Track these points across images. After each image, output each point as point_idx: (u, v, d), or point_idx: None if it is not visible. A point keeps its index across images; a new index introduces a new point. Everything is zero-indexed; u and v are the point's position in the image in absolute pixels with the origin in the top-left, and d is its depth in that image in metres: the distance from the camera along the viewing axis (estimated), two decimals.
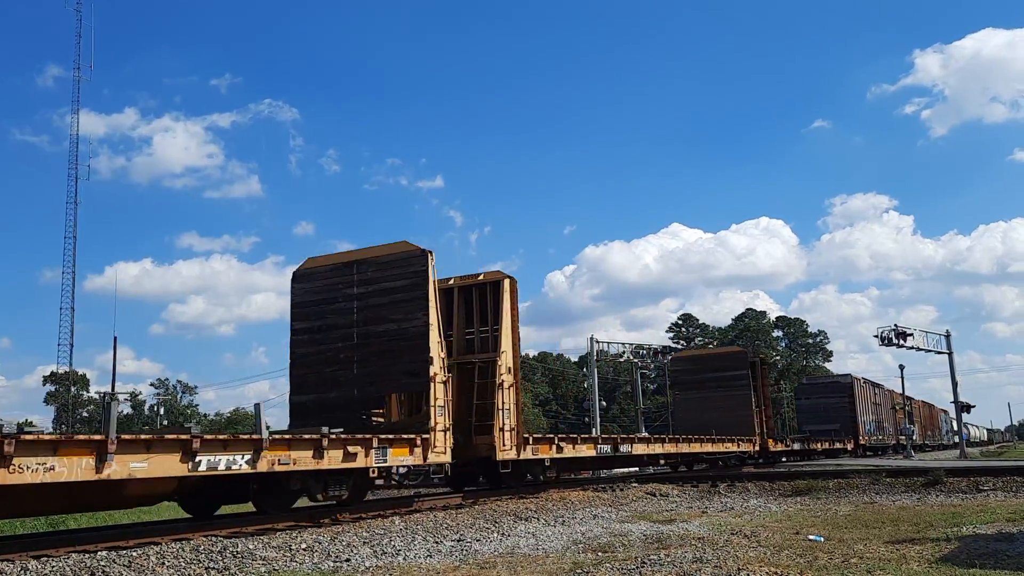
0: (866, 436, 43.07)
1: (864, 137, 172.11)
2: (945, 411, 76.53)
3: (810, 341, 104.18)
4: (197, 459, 9.44)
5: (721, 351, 33.51)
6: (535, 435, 17.08)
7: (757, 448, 28.89)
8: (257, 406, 10.84)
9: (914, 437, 55.21)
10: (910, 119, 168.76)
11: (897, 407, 52.98)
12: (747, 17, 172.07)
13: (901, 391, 51.60)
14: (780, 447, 31.46)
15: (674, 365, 35.39)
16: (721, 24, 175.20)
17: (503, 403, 15.66)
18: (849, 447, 40.13)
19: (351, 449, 11.81)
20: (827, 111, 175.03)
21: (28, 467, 7.82)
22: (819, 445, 36.82)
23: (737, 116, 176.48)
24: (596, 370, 45.14)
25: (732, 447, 27.00)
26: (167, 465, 9.16)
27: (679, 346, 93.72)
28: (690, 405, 31.45)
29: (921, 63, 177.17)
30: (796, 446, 34.34)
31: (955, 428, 72.07)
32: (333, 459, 11.52)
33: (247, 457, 10.13)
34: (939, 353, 39.42)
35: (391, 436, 12.83)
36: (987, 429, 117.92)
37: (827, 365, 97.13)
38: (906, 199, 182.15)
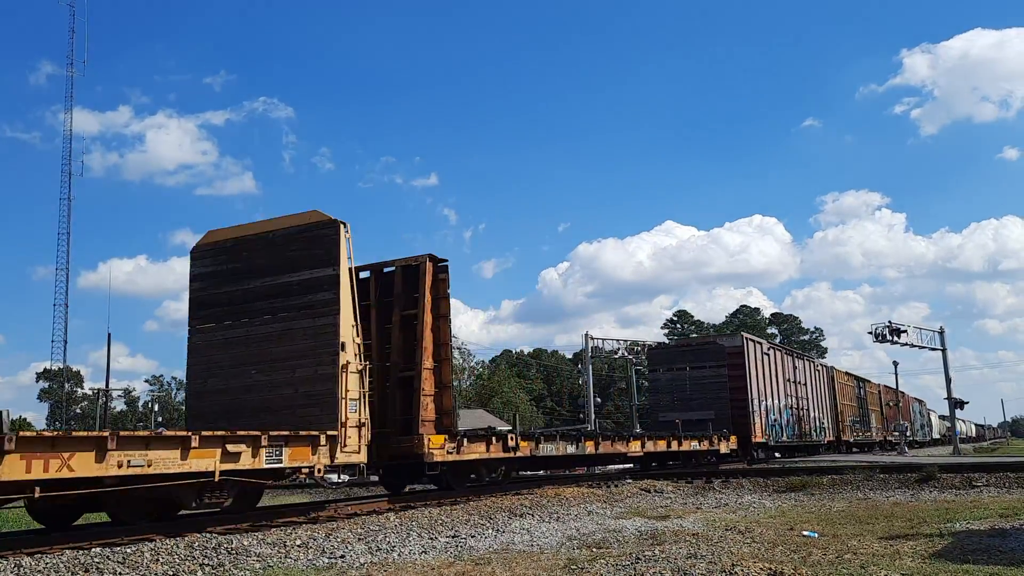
0: (765, 431, 27.95)
1: (855, 136, 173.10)
2: (920, 401, 67.40)
3: (805, 338, 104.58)
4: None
5: (280, 222, 13.57)
6: None
7: (353, 457, 12.45)
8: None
9: (879, 432, 47.09)
10: (900, 118, 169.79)
11: (842, 390, 40.63)
12: (737, 17, 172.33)
13: (895, 385, 51.40)
14: (476, 452, 15.15)
15: (198, 263, 14.16)
16: (712, 24, 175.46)
17: None
18: (725, 448, 25.39)
19: None
20: (817, 110, 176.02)
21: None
22: (634, 446, 21.01)
23: (729, 115, 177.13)
24: (591, 367, 45.18)
25: (234, 462, 10.58)
26: None
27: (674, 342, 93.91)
28: (219, 357, 13.50)
29: (909, 63, 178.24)
30: (550, 448, 17.45)
31: (931, 421, 70.76)
32: None
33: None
34: (933, 349, 39.59)
35: None
36: (976, 425, 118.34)
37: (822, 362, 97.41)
38: (898, 197, 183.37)
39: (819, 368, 37.61)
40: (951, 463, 20.76)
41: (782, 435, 30.07)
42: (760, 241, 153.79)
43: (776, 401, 29.99)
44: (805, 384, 33.99)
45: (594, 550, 9.16)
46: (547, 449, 17.50)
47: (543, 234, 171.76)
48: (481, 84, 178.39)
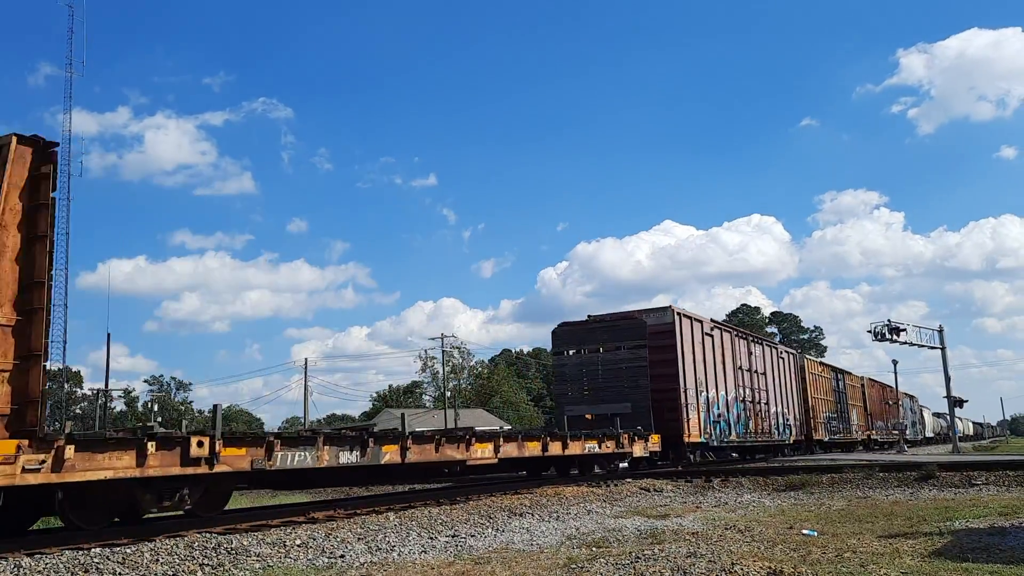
0: (705, 428, 23.17)
1: (852, 135, 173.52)
2: (912, 397, 62.30)
3: (804, 337, 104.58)
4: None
5: None
6: None
7: None
8: None
9: (862, 430, 44.08)
10: (897, 118, 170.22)
11: (815, 382, 35.94)
12: (734, 18, 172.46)
13: (895, 384, 51.27)
14: (109, 469, 9.02)
15: None
16: (710, 25, 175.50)
17: None
18: (640, 450, 20.32)
19: None
20: (814, 110, 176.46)
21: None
22: (481, 449, 15.07)
23: (726, 114, 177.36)
24: None
25: None
26: None
27: None
28: None
29: (906, 63, 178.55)
30: (300, 458, 11.39)
31: (924, 419, 70.13)
32: None
33: None
34: (932, 348, 39.55)
35: None
36: (973, 423, 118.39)
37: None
38: (896, 195, 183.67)
39: (784, 356, 32.53)
40: (950, 461, 20.76)
41: (729, 433, 24.91)
42: (759, 240, 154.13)
43: (722, 392, 24.80)
44: (765, 374, 28.84)
45: (594, 549, 9.16)
46: (293, 459, 11.31)
47: (542, 234, 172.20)
48: (480, 85, 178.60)
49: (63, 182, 61.50)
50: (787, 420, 31.11)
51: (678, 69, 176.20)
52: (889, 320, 37.33)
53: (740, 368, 26.64)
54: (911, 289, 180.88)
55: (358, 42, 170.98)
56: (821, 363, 40.03)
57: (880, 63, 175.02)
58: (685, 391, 22.32)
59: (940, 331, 39.64)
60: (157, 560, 8.25)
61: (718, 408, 24.40)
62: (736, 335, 27.34)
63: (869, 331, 37.24)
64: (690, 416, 22.35)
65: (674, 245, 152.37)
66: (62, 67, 65.69)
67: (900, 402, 54.10)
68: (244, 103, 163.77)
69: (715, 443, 24.18)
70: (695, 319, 23.98)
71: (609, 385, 22.27)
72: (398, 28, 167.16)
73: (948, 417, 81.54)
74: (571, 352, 23.66)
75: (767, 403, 28.76)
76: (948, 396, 40.91)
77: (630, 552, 8.52)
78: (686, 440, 22.08)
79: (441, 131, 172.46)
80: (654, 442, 21.04)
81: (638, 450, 20.34)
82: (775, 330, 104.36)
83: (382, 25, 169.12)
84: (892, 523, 11.12)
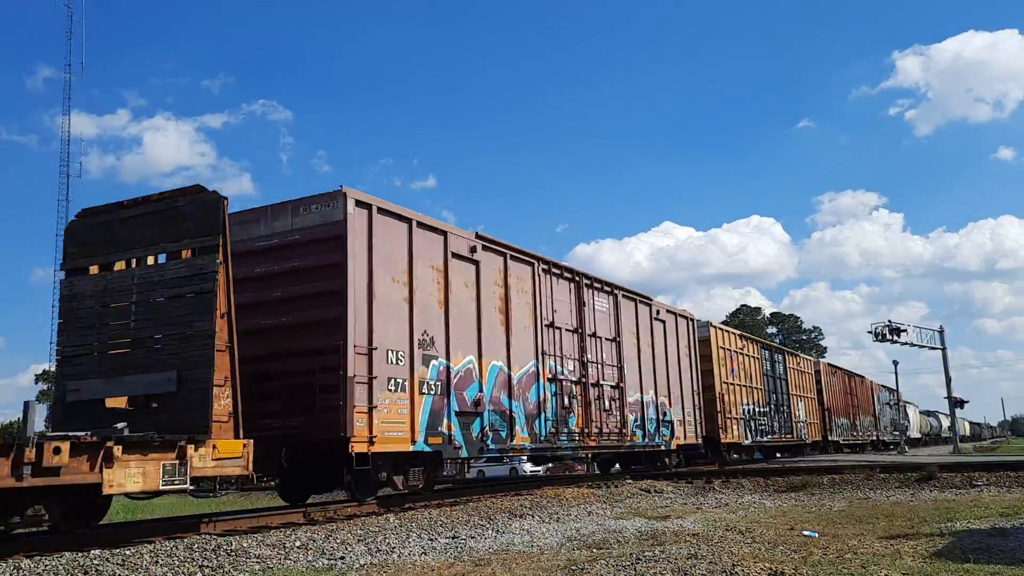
0: (439, 426, 13.19)
1: (850, 137, 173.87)
2: (891, 390, 53.67)
3: (804, 337, 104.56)
4: None
5: None
6: None
7: None
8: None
9: (812, 429, 34.95)
10: (894, 119, 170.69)
11: (727, 360, 25.58)
12: (732, 21, 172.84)
13: (895, 386, 51.12)
14: None
15: None
16: (708, 28, 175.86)
17: None
18: (144, 481, 8.68)
19: None
20: (812, 112, 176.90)
21: None
22: None
23: (725, 116, 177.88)
24: None
25: None
26: None
27: None
28: None
29: (902, 65, 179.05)
30: None
31: (908, 415, 69.08)
32: None
33: None
34: (933, 349, 39.56)
35: None
36: (970, 423, 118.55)
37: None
38: (895, 196, 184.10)
39: (667, 318, 22.63)
40: (951, 462, 20.76)
41: (510, 435, 15.32)
42: (758, 241, 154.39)
43: (496, 363, 15.10)
44: (618, 340, 19.31)
45: (594, 551, 9.15)
46: None
47: (541, 235, 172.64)
48: (479, 86, 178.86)
49: (61, 183, 61.52)
50: (665, 415, 21.31)
51: (677, 72, 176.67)
52: (890, 321, 37.42)
53: (552, 326, 16.89)
54: (911, 290, 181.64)
55: (357, 44, 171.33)
56: (743, 336, 28.53)
57: (876, 65, 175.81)
58: (369, 354, 11.94)
59: (941, 332, 39.64)
60: (157, 562, 8.24)
61: (479, 390, 14.60)
62: (544, 269, 16.82)
63: (870, 332, 37.29)
64: (375, 403, 11.92)
65: (673, 246, 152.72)
66: (61, 69, 65.86)
67: (875, 396, 46.78)
68: (243, 105, 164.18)
69: (467, 453, 14.28)
70: (419, 223, 13.32)
71: (148, 336, 9.95)
72: (397, 30, 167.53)
73: (938, 416, 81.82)
74: (95, 270, 10.55)
75: (618, 386, 19.11)
76: (949, 396, 40.91)
77: (630, 553, 8.50)
78: (360, 450, 11.64)
79: (440, 133, 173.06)
80: (222, 452, 9.69)
81: (133, 480, 8.89)
82: (775, 330, 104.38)
83: (381, 27, 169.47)
84: (893, 524, 11.11)
